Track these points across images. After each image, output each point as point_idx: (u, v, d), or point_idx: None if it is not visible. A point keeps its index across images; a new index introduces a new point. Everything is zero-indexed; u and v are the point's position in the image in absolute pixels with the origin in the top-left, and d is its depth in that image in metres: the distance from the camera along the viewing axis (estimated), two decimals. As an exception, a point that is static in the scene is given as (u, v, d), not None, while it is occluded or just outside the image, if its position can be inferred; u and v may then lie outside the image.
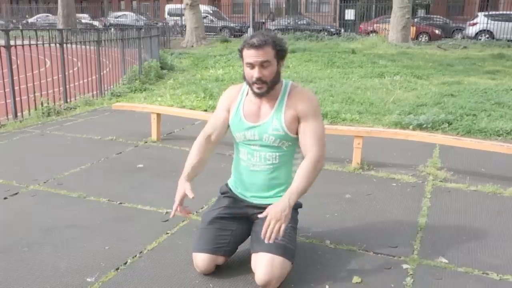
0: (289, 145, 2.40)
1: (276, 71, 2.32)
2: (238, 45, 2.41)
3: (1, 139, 5.03)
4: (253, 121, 2.39)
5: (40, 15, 31.94)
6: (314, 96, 2.45)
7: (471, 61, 13.06)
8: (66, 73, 7.13)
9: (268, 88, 2.31)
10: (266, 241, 2.13)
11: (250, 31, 24.58)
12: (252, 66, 2.27)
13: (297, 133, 2.38)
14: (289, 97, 2.38)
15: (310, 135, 2.33)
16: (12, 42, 5.91)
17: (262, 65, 2.26)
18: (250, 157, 2.43)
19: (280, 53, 2.32)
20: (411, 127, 5.53)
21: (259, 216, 2.26)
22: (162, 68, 10.51)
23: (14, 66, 6.03)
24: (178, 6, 26.73)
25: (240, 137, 2.44)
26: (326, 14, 30.09)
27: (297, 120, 2.36)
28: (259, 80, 2.27)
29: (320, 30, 23.69)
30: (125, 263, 2.51)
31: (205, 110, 6.38)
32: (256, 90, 2.32)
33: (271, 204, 2.40)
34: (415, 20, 23.66)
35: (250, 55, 2.26)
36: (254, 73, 2.27)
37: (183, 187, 2.32)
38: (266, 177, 2.42)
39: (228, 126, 2.50)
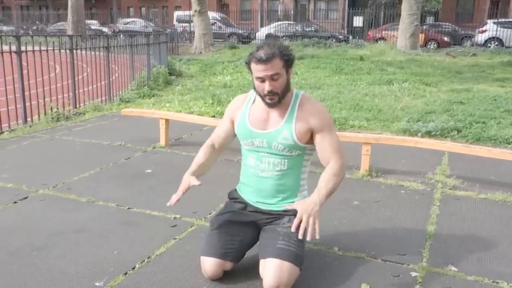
0: (298, 153, 2.40)
1: (286, 81, 2.32)
2: (246, 52, 2.43)
3: (11, 143, 5.07)
4: (261, 129, 2.39)
5: (62, 22, 31.28)
6: (326, 108, 2.47)
7: (480, 68, 13.02)
8: (76, 79, 7.19)
9: (279, 98, 2.32)
10: (300, 237, 2.09)
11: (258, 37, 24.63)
12: (262, 80, 2.27)
13: (306, 143, 2.38)
14: (300, 109, 2.37)
15: (328, 148, 2.36)
16: (23, 48, 5.97)
17: (272, 78, 2.25)
18: (258, 163, 2.43)
19: (288, 62, 2.31)
20: (419, 134, 5.51)
21: (287, 207, 2.29)
22: (170, 74, 10.57)
23: (24, 72, 6.08)
24: (187, 12, 26.88)
25: (248, 144, 2.45)
26: (334, 21, 30.14)
27: (310, 132, 2.36)
28: (271, 92, 2.28)
29: (328, 37, 23.74)
30: (134, 268, 2.51)
31: (213, 116, 6.40)
32: (269, 101, 2.32)
33: (277, 210, 2.41)
34: (424, 27, 23.61)
35: (259, 69, 2.25)
36: (266, 87, 2.27)
37: (188, 179, 2.40)
38: (274, 183, 2.41)
39: (234, 135, 2.57)
